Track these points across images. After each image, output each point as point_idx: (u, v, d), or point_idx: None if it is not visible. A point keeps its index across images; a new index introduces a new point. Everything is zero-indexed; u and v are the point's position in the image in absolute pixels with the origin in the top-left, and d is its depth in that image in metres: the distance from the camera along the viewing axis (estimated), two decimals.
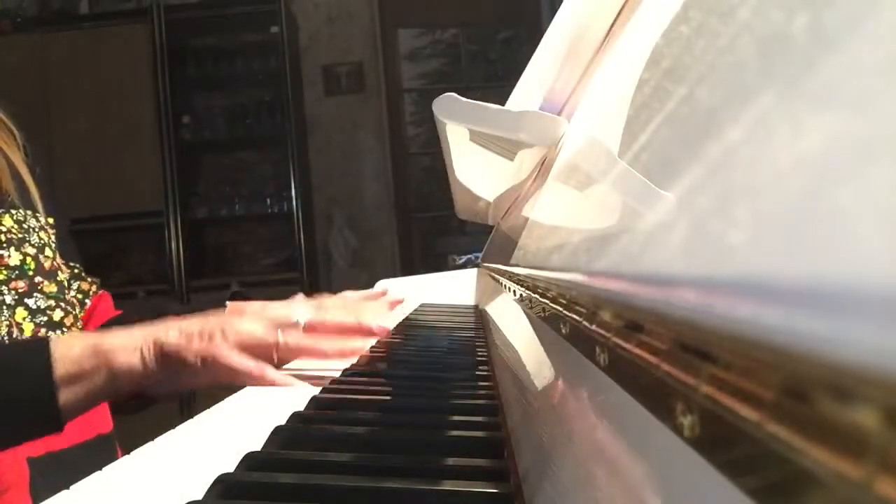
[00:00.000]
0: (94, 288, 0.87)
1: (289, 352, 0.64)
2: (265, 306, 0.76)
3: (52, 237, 0.80)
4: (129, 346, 0.60)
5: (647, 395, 0.18)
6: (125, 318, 0.86)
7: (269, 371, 0.61)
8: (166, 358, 0.60)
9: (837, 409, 0.09)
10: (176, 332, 0.61)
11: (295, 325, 0.65)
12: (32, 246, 0.75)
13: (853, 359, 0.09)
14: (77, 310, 0.80)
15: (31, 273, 0.73)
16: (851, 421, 0.09)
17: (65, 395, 0.57)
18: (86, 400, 0.59)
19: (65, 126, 3.13)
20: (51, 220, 0.81)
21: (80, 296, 0.84)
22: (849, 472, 0.09)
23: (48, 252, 0.76)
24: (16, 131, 0.81)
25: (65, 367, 0.58)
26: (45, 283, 0.73)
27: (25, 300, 0.71)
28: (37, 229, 0.77)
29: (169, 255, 3.18)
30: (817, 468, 0.10)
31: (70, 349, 0.59)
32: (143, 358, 0.60)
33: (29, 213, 0.77)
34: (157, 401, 0.72)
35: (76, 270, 0.84)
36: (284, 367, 0.71)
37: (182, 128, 3.26)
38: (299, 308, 0.70)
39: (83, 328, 0.85)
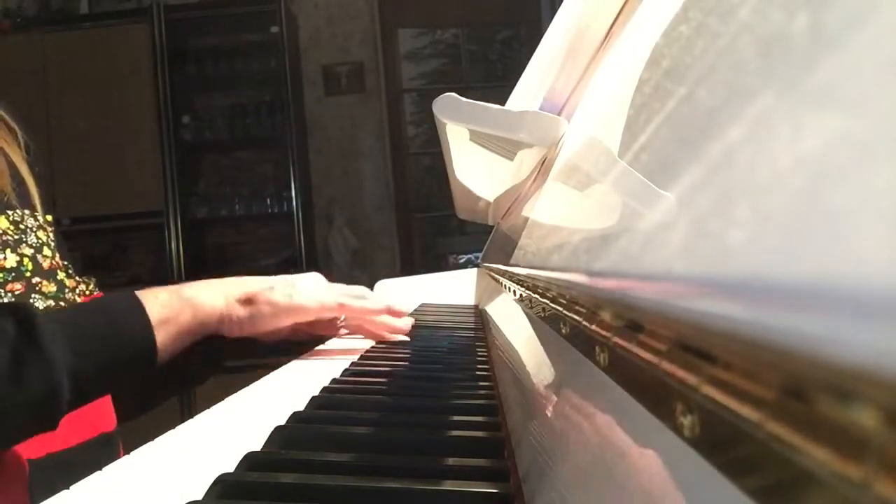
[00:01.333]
0: (81, 287, 0.87)
1: (353, 314, 0.76)
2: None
3: (51, 235, 0.80)
4: (211, 290, 0.67)
5: (647, 395, 0.18)
6: None
7: (346, 301, 0.72)
8: (252, 300, 0.68)
9: (837, 409, 0.09)
10: (253, 280, 0.70)
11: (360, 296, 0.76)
12: (30, 246, 0.75)
13: (853, 359, 0.09)
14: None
15: (28, 275, 0.73)
16: (851, 421, 0.09)
17: (158, 337, 0.63)
18: (175, 340, 0.64)
19: (65, 126, 3.13)
20: (49, 219, 0.81)
21: (77, 298, 0.84)
22: (849, 472, 0.09)
23: (46, 251, 0.76)
24: (17, 129, 0.81)
25: (156, 312, 0.63)
26: (45, 282, 0.73)
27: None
28: (35, 228, 0.77)
29: (169, 255, 3.18)
30: (817, 468, 0.10)
31: (156, 296, 0.65)
32: (225, 300, 0.67)
33: (27, 212, 0.77)
34: (159, 401, 0.76)
35: (69, 271, 0.85)
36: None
37: (182, 128, 3.26)
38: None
39: None
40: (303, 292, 0.69)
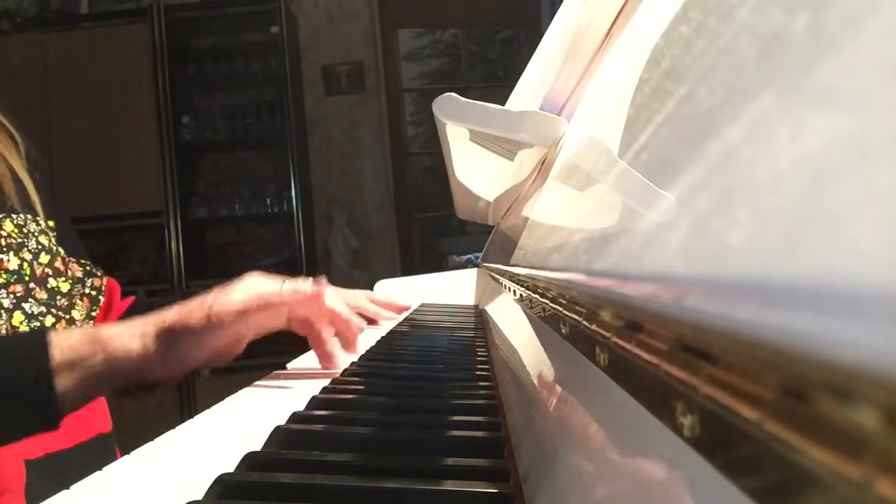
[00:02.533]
0: (104, 280, 0.87)
1: (294, 297, 0.63)
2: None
3: (53, 240, 0.80)
4: (127, 331, 0.59)
5: (647, 395, 0.18)
6: (137, 308, 0.86)
7: (276, 294, 0.61)
8: (169, 332, 0.59)
9: (837, 409, 0.09)
10: (175, 310, 0.61)
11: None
12: (29, 251, 0.75)
13: (853, 359, 0.09)
14: (85, 309, 0.80)
15: (27, 278, 0.73)
16: (851, 421, 0.09)
17: (62, 382, 0.56)
18: (84, 387, 0.58)
19: (65, 126, 3.13)
20: (51, 224, 0.81)
21: (93, 292, 0.84)
22: (849, 472, 0.09)
23: (43, 258, 0.76)
24: (18, 137, 0.81)
25: (62, 354, 0.57)
26: (37, 289, 0.74)
27: (23, 304, 0.71)
28: (36, 233, 0.77)
29: (169, 255, 3.18)
30: (817, 468, 0.10)
31: (67, 338, 0.58)
32: (142, 339, 0.59)
33: (29, 217, 0.77)
34: (162, 384, 0.71)
35: (88, 267, 0.85)
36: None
37: (182, 128, 3.26)
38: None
39: (105, 318, 0.85)
40: (224, 302, 0.60)
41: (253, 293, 0.62)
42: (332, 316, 0.66)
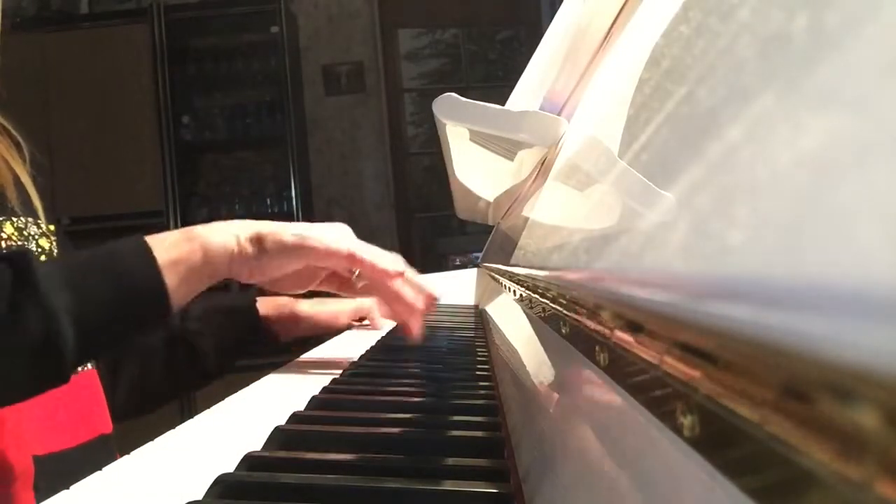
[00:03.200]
0: None
1: (374, 268, 0.68)
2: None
3: (54, 244, 0.80)
4: (223, 229, 0.64)
5: (647, 395, 0.18)
6: None
7: (359, 251, 0.66)
8: (262, 239, 0.63)
9: (837, 409, 0.09)
10: (270, 222, 0.65)
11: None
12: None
13: (853, 359, 0.09)
14: None
15: None
16: (851, 421, 0.09)
17: (170, 279, 0.59)
18: (188, 282, 0.61)
19: (65, 126, 3.13)
20: (52, 228, 0.81)
21: None
22: (849, 472, 0.09)
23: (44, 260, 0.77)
24: (22, 141, 0.81)
25: (166, 252, 0.60)
26: None
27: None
28: (37, 236, 0.77)
29: None
30: (817, 468, 0.10)
31: (165, 239, 0.62)
32: (237, 238, 0.63)
33: (30, 220, 0.77)
34: (161, 402, 0.72)
35: None
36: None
37: (182, 128, 3.26)
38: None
39: None
40: (314, 235, 0.65)
41: (343, 248, 0.66)
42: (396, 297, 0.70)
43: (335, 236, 0.66)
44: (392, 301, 0.70)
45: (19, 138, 0.80)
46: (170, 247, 0.61)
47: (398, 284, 0.69)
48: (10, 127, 0.80)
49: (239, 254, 0.63)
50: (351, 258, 0.66)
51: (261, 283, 0.67)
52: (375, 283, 0.70)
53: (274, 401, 0.55)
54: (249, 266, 0.64)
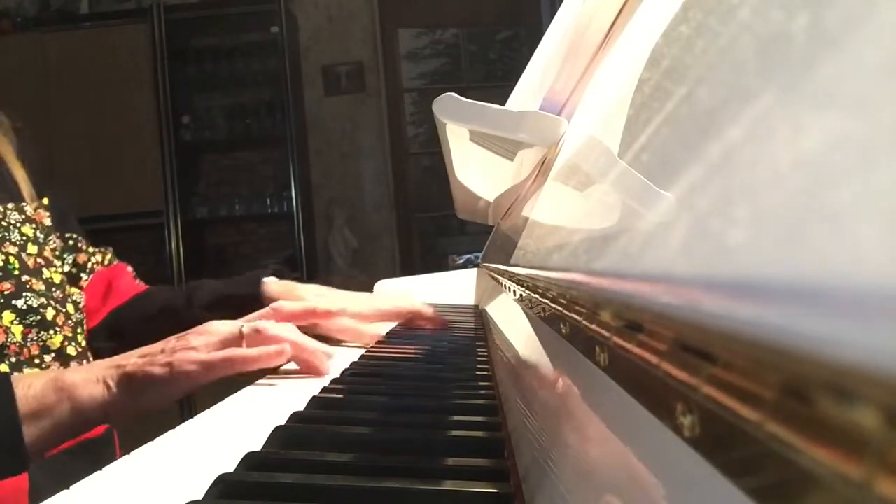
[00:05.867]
0: (97, 258, 0.85)
1: (253, 341, 0.62)
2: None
3: (46, 221, 0.78)
4: (90, 377, 0.59)
5: (647, 395, 0.18)
6: (142, 303, 0.85)
7: (239, 351, 0.60)
8: (131, 379, 0.58)
9: (837, 409, 0.09)
10: (136, 356, 0.60)
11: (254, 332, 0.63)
12: (13, 244, 0.72)
13: (853, 359, 0.09)
14: (77, 297, 0.79)
15: (16, 273, 0.71)
16: (851, 421, 0.09)
17: (29, 432, 0.56)
18: (52, 436, 0.57)
19: (65, 126, 3.13)
20: (45, 202, 0.79)
21: (73, 269, 0.82)
22: (849, 472, 0.09)
23: (31, 248, 0.74)
24: (3, 118, 0.79)
25: (27, 405, 0.56)
26: (33, 280, 0.72)
27: (13, 301, 0.69)
28: (19, 224, 0.74)
29: (169, 255, 3.18)
30: (817, 468, 0.10)
31: (29, 387, 0.57)
32: (106, 386, 0.58)
33: (10, 206, 0.75)
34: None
35: (71, 242, 0.83)
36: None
37: (182, 128, 3.26)
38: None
39: (98, 309, 0.84)
40: (179, 358, 0.59)
41: (217, 342, 0.60)
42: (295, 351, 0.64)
43: (202, 345, 0.60)
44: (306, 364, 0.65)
45: (5, 118, 0.78)
46: (34, 398, 0.57)
47: (287, 354, 0.63)
48: None
49: (111, 402, 0.58)
50: (229, 364, 0.60)
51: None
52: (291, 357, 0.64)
53: (274, 401, 0.54)
54: (126, 411, 0.59)
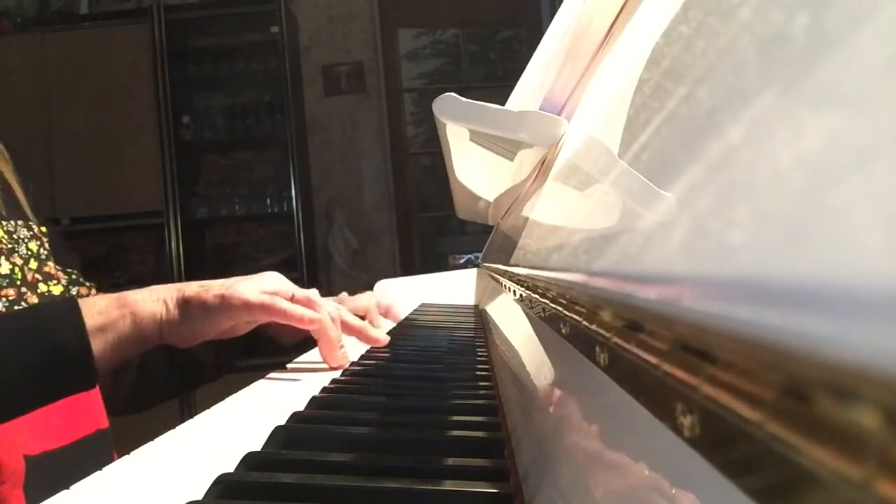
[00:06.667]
0: (92, 292, 0.87)
1: (301, 303, 0.69)
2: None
3: (46, 245, 0.80)
4: (151, 297, 0.65)
5: (647, 395, 0.18)
6: None
7: (281, 302, 0.67)
8: (187, 302, 0.65)
9: (837, 409, 0.09)
10: (196, 284, 0.68)
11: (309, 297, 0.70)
12: (21, 256, 0.75)
13: (853, 359, 0.09)
14: None
15: (18, 283, 0.73)
16: (851, 421, 0.09)
17: (97, 345, 0.60)
18: (116, 350, 0.62)
19: (65, 126, 3.13)
20: (44, 229, 0.82)
21: None
22: (849, 472, 0.09)
23: (32, 263, 0.77)
24: (2, 148, 0.82)
25: (93, 319, 0.61)
26: (29, 294, 0.74)
27: (15, 308, 0.71)
28: (27, 239, 0.78)
29: (169, 255, 3.18)
30: (817, 468, 0.10)
31: (95, 303, 0.63)
32: (165, 305, 0.65)
33: (19, 223, 0.78)
34: (159, 400, 0.74)
35: (73, 276, 0.85)
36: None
37: (182, 128, 3.26)
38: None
39: None
40: (233, 292, 0.66)
41: (269, 289, 0.67)
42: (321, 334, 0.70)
43: (255, 288, 0.67)
44: (325, 348, 0.70)
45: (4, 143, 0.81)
46: (98, 313, 0.62)
47: (318, 326, 0.69)
48: None
49: (168, 321, 0.65)
50: (267, 310, 0.66)
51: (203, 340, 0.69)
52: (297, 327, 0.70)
53: (274, 401, 0.55)
54: (180, 333, 0.66)
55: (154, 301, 0.65)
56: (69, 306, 0.62)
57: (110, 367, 0.64)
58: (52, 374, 0.59)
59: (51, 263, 0.79)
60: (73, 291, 0.83)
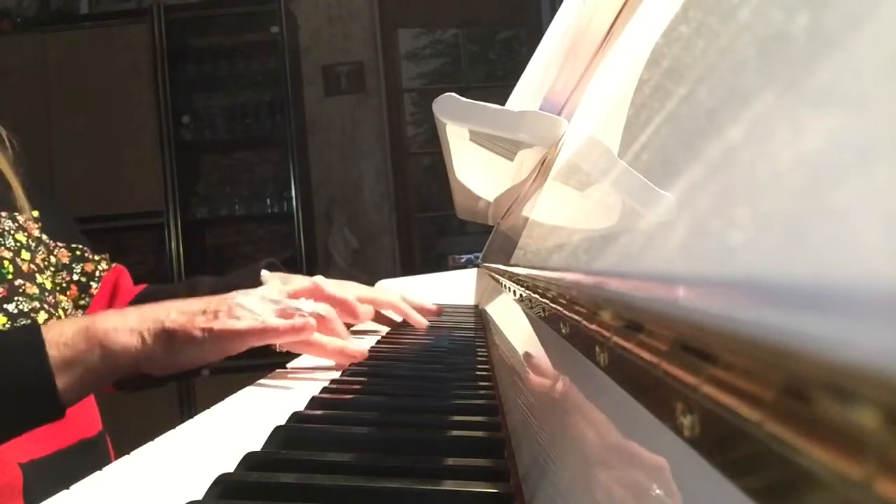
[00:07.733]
0: (103, 266, 0.86)
1: (288, 333, 0.64)
2: (288, 280, 0.80)
3: (37, 232, 0.79)
4: (125, 327, 0.59)
5: (647, 395, 0.18)
6: (149, 295, 0.86)
7: (274, 321, 0.62)
8: (171, 335, 0.59)
9: (837, 409, 0.09)
10: (175, 311, 0.61)
11: (298, 312, 0.65)
12: (8, 249, 0.73)
13: (853, 359, 0.09)
14: (71, 301, 0.80)
15: (10, 277, 0.71)
16: (851, 421, 0.09)
17: (63, 380, 0.56)
18: (84, 383, 0.58)
19: (65, 126, 3.13)
20: (35, 214, 0.80)
21: (83, 279, 0.83)
22: (849, 472, 0.09)
23: (25, 254, 0.75)
24: (4, 133, 0.80)
25: (59, 352, 0.56)
26: (27, 285, 0.72)
27: (5, 305, 0.69)
28: (12, 231, 0.75)
29: (169, 255, 3.18)
30: (817, 468, 0.10)
31: (61, 333, 0.57)
32: (141, 338, 0.59)
33: (3, 214, 0.76)
34: (160, 382, 0.72)
35: (78, 252, 0.84)
36: (305, 356, 0.73)
37: (182, 128, 3.26)
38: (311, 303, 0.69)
39: (108, 308, 0.84)
40: (220, 325, 0.60)
41: (259, 317, 0.62)
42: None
43: (247, 313, 0.62)
44: (313, 350, 0.69)
45: (2, 129, 0.79)
46: (65, 345, 0.57)
47: (314, 338, 0.66)
48: None
49: (145, 355, 0.59)
50: (260, 335, 0.61)
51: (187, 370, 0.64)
52: (307, 345, 0.68)
53: (274, 400, 0.54)
54: (160, 364, 0.60)
55: (128, 332, 0.58)
56: (27, 341, 0.57)
57: (83, 396, 0.60)
58: (14, 408, 0.55)
59: (39, 257, 0.77)
60: (78, 269, 0.82)
